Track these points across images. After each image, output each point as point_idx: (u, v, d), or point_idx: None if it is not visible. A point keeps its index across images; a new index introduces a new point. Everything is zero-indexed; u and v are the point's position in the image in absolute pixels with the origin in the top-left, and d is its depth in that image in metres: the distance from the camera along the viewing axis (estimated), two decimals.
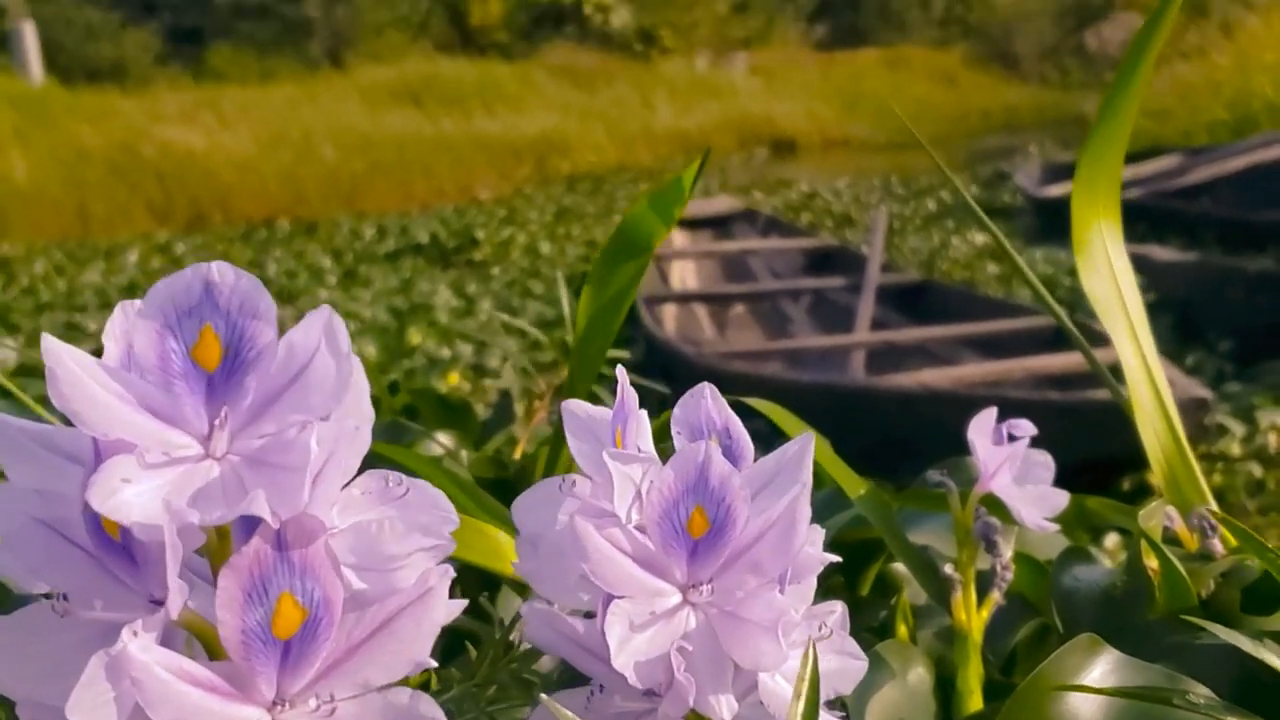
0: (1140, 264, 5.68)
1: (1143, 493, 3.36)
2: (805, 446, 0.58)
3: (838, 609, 0.61)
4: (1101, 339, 3.13)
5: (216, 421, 0.43)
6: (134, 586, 0.44)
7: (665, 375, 4.69)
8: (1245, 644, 0.58)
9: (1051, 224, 7.90)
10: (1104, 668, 0.60)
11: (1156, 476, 0.89)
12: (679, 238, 7.31)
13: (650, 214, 1.02)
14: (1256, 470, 3.14)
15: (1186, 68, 12.78)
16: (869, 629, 0.98)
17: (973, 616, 0.87)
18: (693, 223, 7.62)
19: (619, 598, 0.52)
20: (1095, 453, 2.50)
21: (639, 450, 0.57)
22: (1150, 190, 8.23)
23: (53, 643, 0.44)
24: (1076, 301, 5.88)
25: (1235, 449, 3.43)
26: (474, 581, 1.00)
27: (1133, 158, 9.46)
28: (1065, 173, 9.48)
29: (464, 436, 1.54)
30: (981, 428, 0.85)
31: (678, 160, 15.60)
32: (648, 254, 1.03)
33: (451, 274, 8.00)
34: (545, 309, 6.04)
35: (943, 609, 0.89)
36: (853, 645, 0.59)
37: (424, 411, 1.65)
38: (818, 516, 1.02)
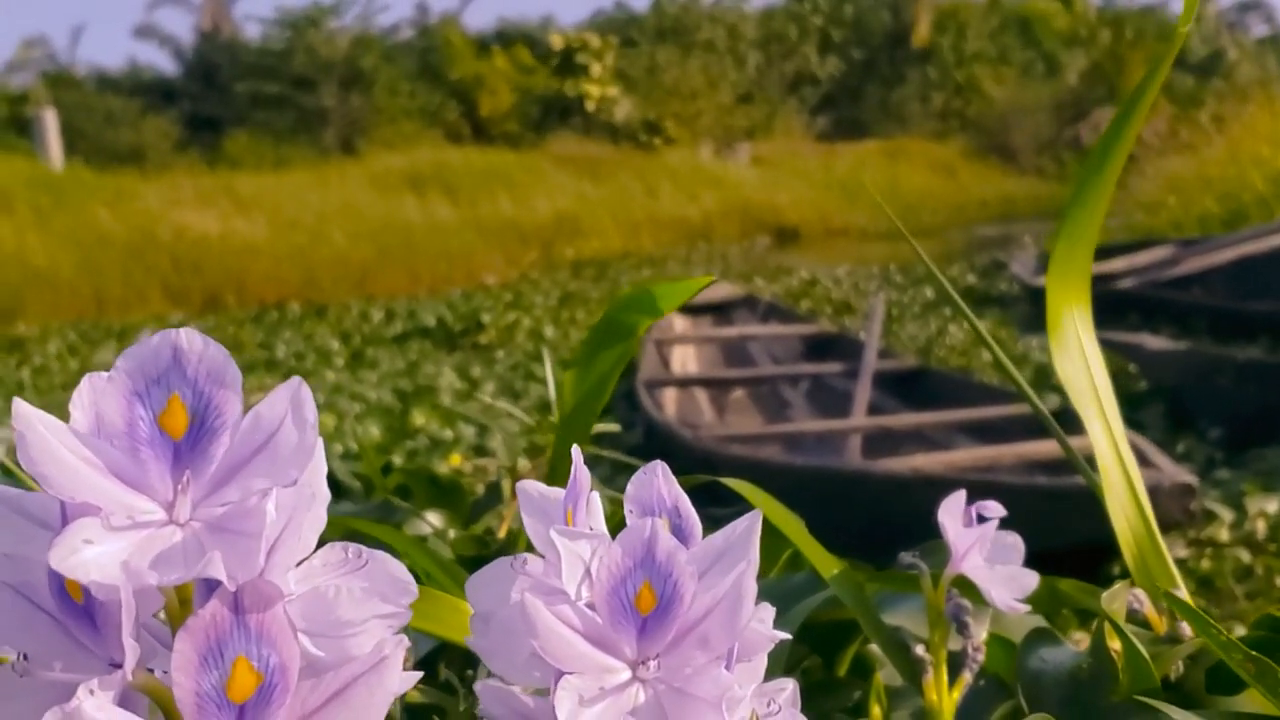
0: (1132, 353, 5.72)
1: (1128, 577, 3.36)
2: (753, 524, 0.59)
3: (789, 687, 0.62)
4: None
5: (180, 487, 0.44)
6: (95, 650, 0.45)
7: (664, 457, 4.70)
8: None
9: (1044, 313, 7.96)
10: None
11: (1126, 559, 0.91)
12: (680, 323, 7.38)
13: (637, 302, 1.04)
14: (1245, 556, 3.14)
15: (1179, 161, 12.93)
16: (844, 710, 0.99)
17: (944, 697, 0.88)
18: (694, 308, 7.70)
19: (569, 674, 0.53)
20: (1083, 537, 2.50)
21: (590, 529, 0.58)
22: (1143, 280, 8.30)
23: (13, 705, 0.44)
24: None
25: (1224, 535, 3.43)
26: (455, 657, 1.01)
27: (1126, 249, 9.57)
28: None
29: (454, 516, 1.56)
30: (952, 510, 0.87)
31: (681, 247, 15.76)
32: (633, 339, 1.06)
33: (457, 357, 8.04)
34: (544, 390, 6.09)
35: (917, 690, 0.90)
36: None
37: (416, 491, 1.67)
38: (795, 597, 1.04)
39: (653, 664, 0.53)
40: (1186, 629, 0.85)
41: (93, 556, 0.42)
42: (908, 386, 5.51)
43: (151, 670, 0.44)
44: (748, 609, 0.54)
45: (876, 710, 0.92)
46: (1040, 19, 27.16)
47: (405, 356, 8.18)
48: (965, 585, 0.88)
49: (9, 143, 20.41)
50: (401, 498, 1.69)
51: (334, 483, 1.87)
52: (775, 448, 4.75)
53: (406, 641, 0.46)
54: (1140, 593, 0.87)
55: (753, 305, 7.80)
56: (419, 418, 5.18)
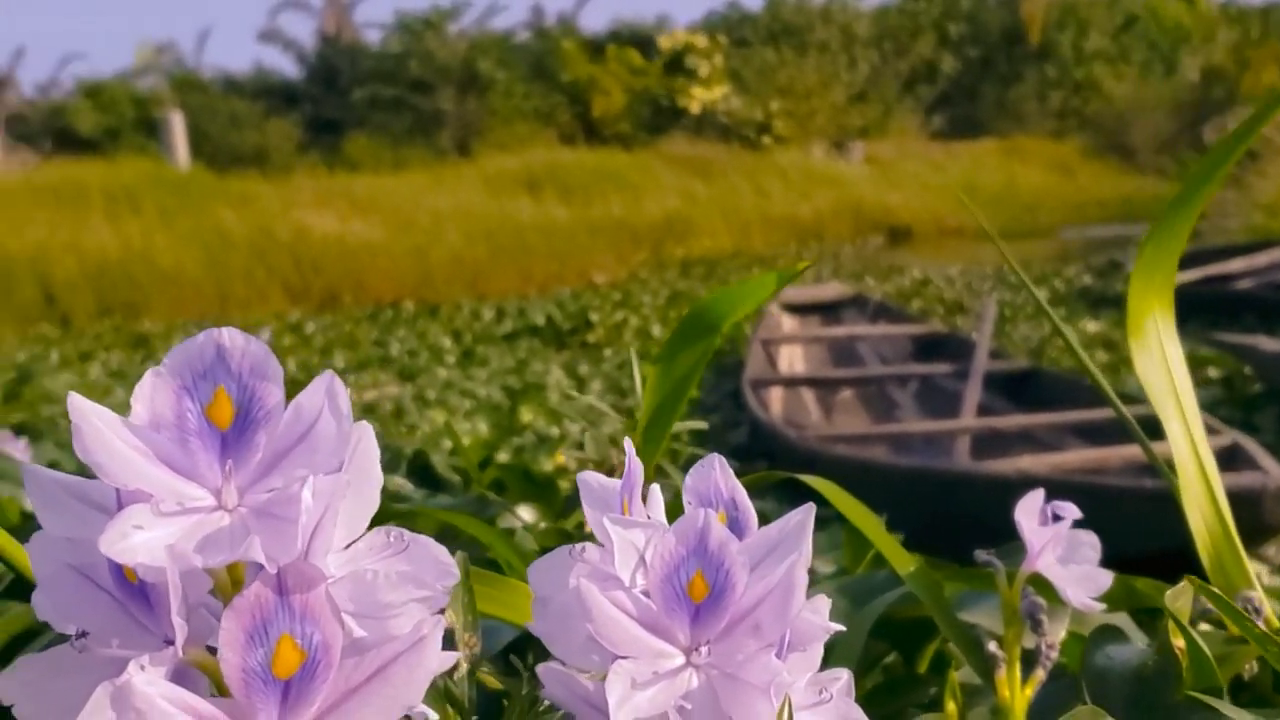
0: (1247, 355, 5.57)
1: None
2: (806, 517, 0.60)
3: (843, 676, 0.62)
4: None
5: (226, 475, 0.46)
6: (151, 628, 0.47)
7: (768, 457, 4.71)
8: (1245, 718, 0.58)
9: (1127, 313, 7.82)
10: None
11: (1202, 560, 0.89)
12: (788, 322, 7.37)
13: (720, 301, 1.05)
14: None
15: None
16: (920, 705, 0.99)
17: (1016, 694, 0.87)
18: (802, 308, 7.68)
19: (623, 658, 0.54)
20: (1188, 540, 2.45)
21: (648, 518, 0.59)
22: (1261, 281, 8.14)
23: (73, 680, 0.46)
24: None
25: None
26: (535, 644, 1.03)
27: (1245, 249, 9.35)
28: (1178, 263, 9.40)
29: (547, 510, 1.58)
30: (1028, 509, 0.87)
31: (791, 246, 15.70)
32: (715, 337, 1.06)
33: (565, 355, 8.12)
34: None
35: (991, 686, 0.90)
36: (857, 712, 0.60)
37: (511, 486, 1.70)
38: (874, 594, 1.04)
39: (705, 650, 0.54)
40: (1262, 627, 0.83)
41: (140, 541, 0.44)
42: (1019, 388, 5.43)
43: (213, 649, 0.45)
44: (799, 599, 0.55)
45: (951, 706, 0.92)
46: (1161, 16, 26.54)
47: (514, 355, 8.28)
48: (1041, 584, 0.88)
49: (137, 144, 21.04)
50: (497, 492, 1.72)
51: (434, 476, 1.92)
52: (881, 448, 4.71)
53: (445, 622, 0.47)
54: (1253, 594, 0.86)
55: (862, 305, 7.75)
56: (526, 415, 5.22)
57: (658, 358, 1.07)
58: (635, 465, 0.60)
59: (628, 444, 0.61)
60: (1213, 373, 6.07)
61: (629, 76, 24.75)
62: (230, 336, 0.47)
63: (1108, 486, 3.23)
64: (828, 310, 7.77)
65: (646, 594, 0.55)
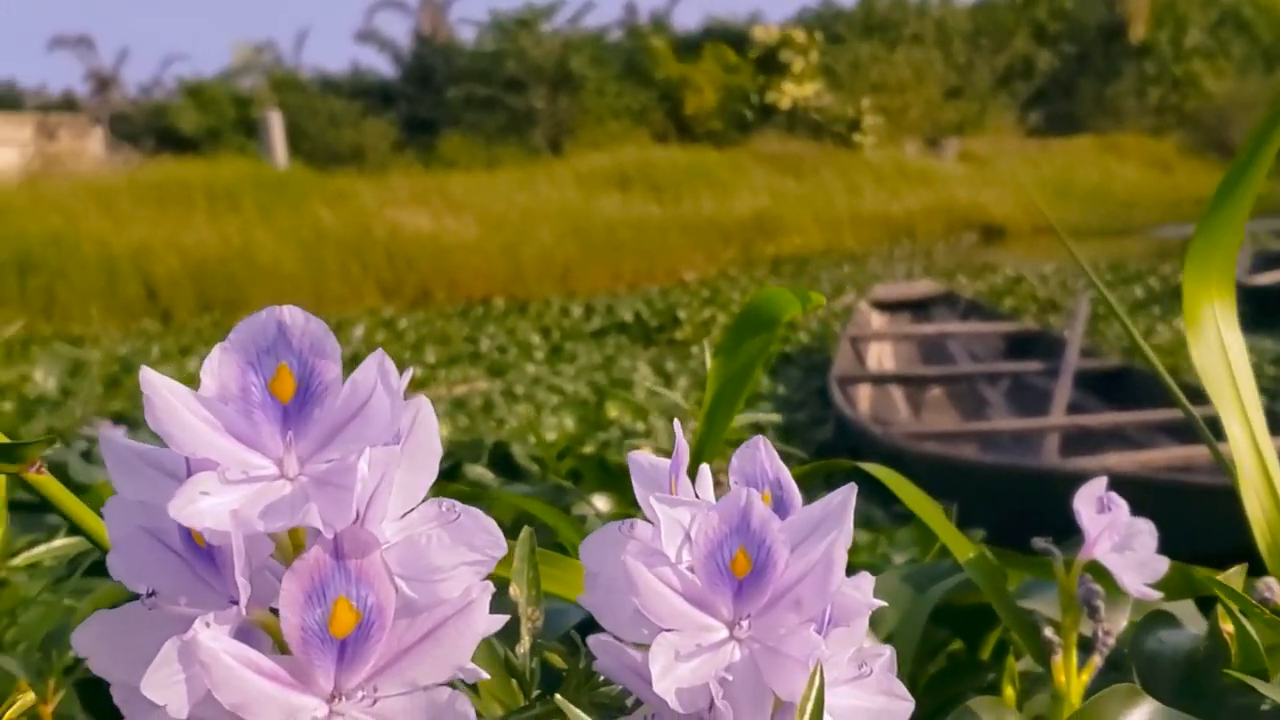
0: None
1: None
2: (848, 497, 0.61)
3: (885, 652, 0.63)
4: None
5: (287, 446, 0.48)
6: (216, 588, 0.49)
7: (853, 454, 4.72)
8: None
9: (1259, 312, 7.67)
10: (1141, 714, 0.61)
11: (1261, 550, 0.90)
12: (877, 320, 7.35)
13: (782, 294, 1.06)
14: None
15: None
16: (979, 689, 1.00)
17: (1072, 679, 0.88)
18: (892, 305, 7.65)
19: (668, 630, 0.56)
20: None
21: (696, 497, 0.61)
22: None
23: (144, 636, 0.49)
24: (1277, 391, 5.69)
25: None
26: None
27: None
28: (1275, 261, 9.20)
29: (621, 499, 1.61)
30: (1087, 497, 0.88)
31: (883, 244, 15.60)
32: (775, 329, 1.08)
33: (652, 351, 8.17)
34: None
35: (1048, 671, 0.91)
36: (899, 687, 0.61)
37: (587, 476, 1.73)
38: (937, 580, 1.05)
39: (747, 624, 0.56)
40: None
41: (207, 506, 0.46)
42: (1111, 385, 5.37)
43: (275, 610, 0.48)
44: (838, 575, 0.56)
45: (1010, 690, 0.93)
46: (1262, 13, 25.94)
47: (602, 351, 8.34)
48: (1100, 572, 0.89)
49: (237, 143, 21.46)
50: (575, 482, 1.76)
51: (514, 466, 1.96)
52: (969, 446, 4.69)
53: (491, 587, 0.49)
54: (1273, 582, 0.86)
55: (953, 302, 7.71)
56: (612, 410, 5.28)
57: (717, 350, 1.09)
58: (682, 446, 0.62)
59: (676, 426, 0.63)
60: None
61: (721, 73, 24.71)
62: (291, 314, 0.50)
63: (1192, 484, 3.19)
64: (918, 308, 7.74)
65: (691, 570, 0.56)
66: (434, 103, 25.34)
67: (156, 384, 0.48)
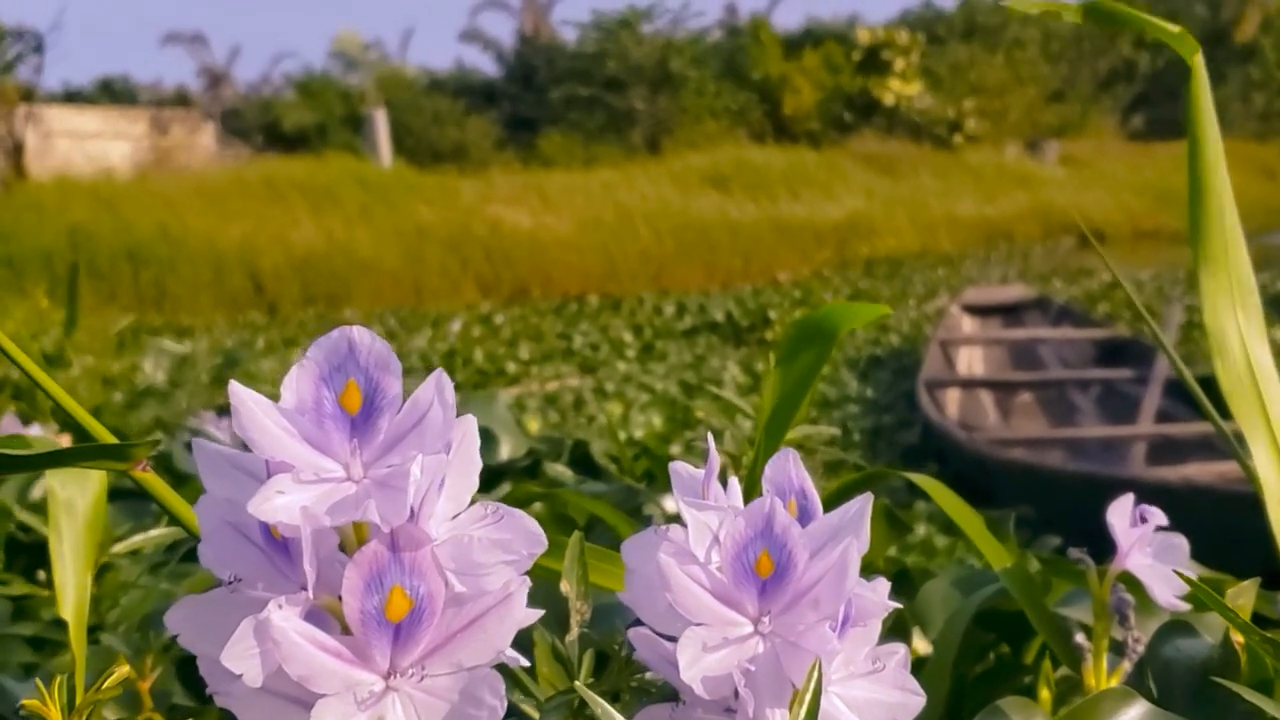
0: None
1: None
2: (864, 506, 0.65)
3: (900, 650, 0.68)
4: None
5: (354, 452, 0.54)
6: (290, 576, 0.55)
7: (939, 458, 4.71)
8: (1270, 708, 0.63)
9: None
10: (1133, 715, 0.66)
11: None
12: (968, 324, 7.31)
13: (841, 308, 1.11)
14: None
15: None
16: (1018, 691, 1.04)
17: (1101, 683, 0.92)
18: (983, 309, 7.60)
19: (698, 625, 0.60)
20: None
21: (729, 504, 0.67)
22: None
23: (227, 616, 0.54)
24: None
25: None
26: None
27: None
28: None
29: None
30: (1120, 510, 0.92)
31: (979, 247, 15.43)
32: (833, 341, 1.12)
33: (742, 352, 8.19)
34: (827, 389, 6.15)
35: (1079, 676, 0.95)
36: (912, 683, 0.65)
37: (659, 476, 1.79)
38: (984, 585, 1.09)
39: (769, 620, 0.61)
40: None
41: (282, 503, 0.52)
42: (1207, 394, 5.30)
43: (340, 597, 0.53)
44: (852, 578, 0.60)
45: (1045, 693, 0.97)
46: None
47: (693, 350, 8.38)
48: (1132, 582, 0.93)
49: (344, 139, 21.79)
50: (649, 481, 1.82)
51: (592, 465, 2.02)
52: (1056, 453, 4.67)
53: (528, 582, 0.55)
54: None
55: (1045, 307, 7.64)
56: (700, 410, 5.33)
57: (777, 360, 1.12)
58: (714, 455, 0.67)
59: (709, 439, 0.69)
60: None
61: (823, 73, 24.59)
62: (360, 335, 0.55)
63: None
64: (1009, 312, 7.69)
65: (720, 570, 0.61)
66: (535, 102, 25.52)
67: (243, 395, 0.54)
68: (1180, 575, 0.80)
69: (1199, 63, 0.98)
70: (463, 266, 13.67)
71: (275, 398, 0.56)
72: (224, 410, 3.00)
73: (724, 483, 0.68)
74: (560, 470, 1.82)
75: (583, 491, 1.52)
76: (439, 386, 0.56)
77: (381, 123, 20.15)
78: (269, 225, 13.67)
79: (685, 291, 12.43)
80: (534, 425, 3.44)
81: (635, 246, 13.89)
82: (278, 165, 16.74)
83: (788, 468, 0.68)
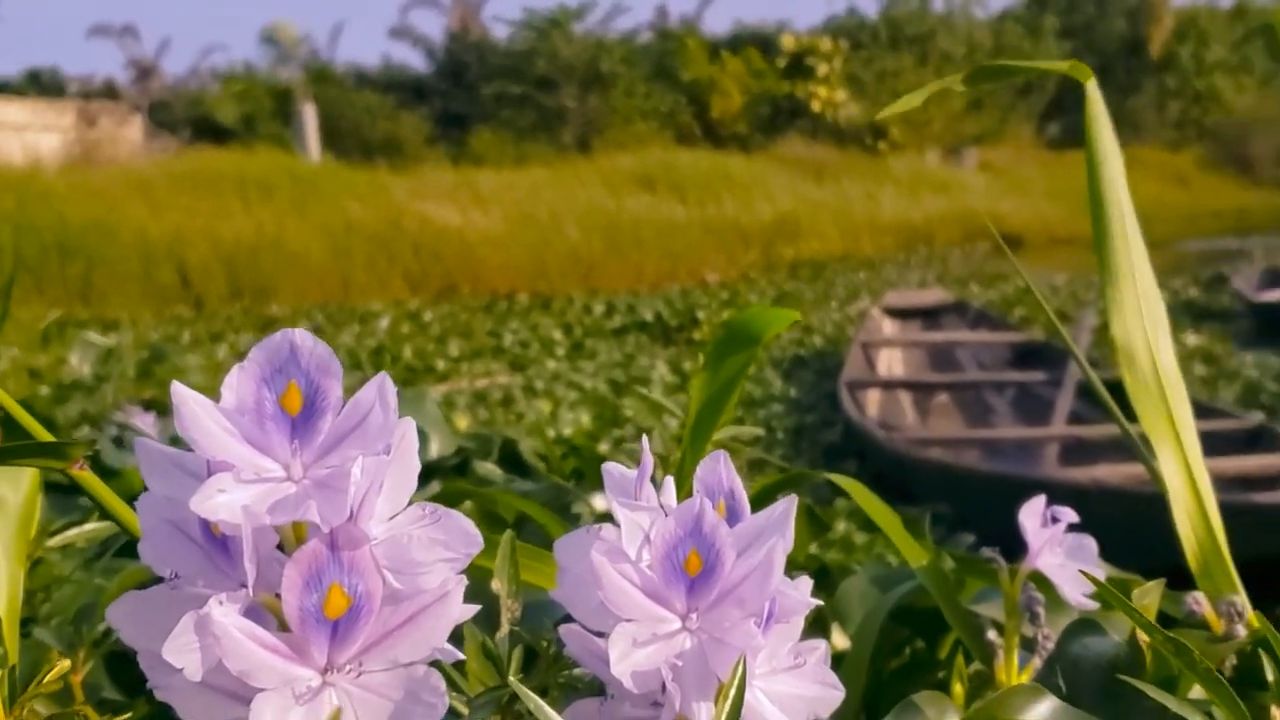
0: None
1: None
2: (789, 508, 0.67)
3: (821, 646, 0.70)
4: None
5: (294, 453, 0.55)
6: (229, 573, 0.56)
7: (859, 456, 4.79)
8: (1173, 704, 0.66)
9: (1266, 329, 7.71)
10: (1042, 711, 0.69)
11: (1190, 565, 0.96)
12: (888, 326, 7.43)
13: (764, 313, 1.13)
14: None
15: None
16: (933, 687, 1.07)
17: (1013, 679, 0.95)
18: (903, 312, 7.73)
19: (628, 621, 0.62)
20: (1273, 553, 2.49)
21: (659, 504, 0.69)
22: None
23: (167, 612, 0.55)
24: (1278, 407, 5.73)
25: None
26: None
27: None
28: None
29: None
30: (1032, 511, 0.95)
31: (900, 251, 15.64)
32: (756, 347, 1.15)
33: (671, 351, 8.23)
34: (752, 388, 6.22)
35: (991, 671, 0.98)
36: (832, 677, 0.67)
37: (589, 474, 1.81)
38: (901, 582, 1.12)
39: (696, 617, 0.62)
40: (1241, 631, 0.91)
41: (223, 501, 0.53)
42: (1115, 397, 5.42)
43: (279, 595, 0.54)
44: (776, 577, 0.62)
45: (958, 688, 1.00)
46: None
47: (622, 349, 8.41)
48: (1042, 581, 0.96)
49: (273, 133, 21.56)
50: (577, 479, 1.84)
51: (521, 463, 2.04)
52: (972, 452, 4.76)
53: (465, 580, 0.56)
54: (1200, 596, 0.93)
55: (963, 311, 7.79)
56: (629, 408, 5.36)
57: (706, 361, 1.15)
58: (647, 457, 0.69)
59: (643, 440, 0.71)
60: None
61: (748, 78, 24.76)
62: (301, 338, 0.56)
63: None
64: (929, 315, 7.83)
65: (650, 568, 0.62)
66: (466, 99, 25.41)
67: (185, 396, 0.55)
68: (1087, 576, 0.83)
69: (1093, 87, 1.02)
70: (391, 262, 13.58)
71: (203, 391, 0.57)
72: (150, 405, 2.98)
73: (655, 483, 0.70)
74: (489, 468, 1.83)
75: (512, 490, 1.53)
76: (381, 389, 0.57)
77: (310, 117, 19.98)
78: (197, 219, 13.51)
79: (614, 291, 12.45)
80: (463, 422, 3.45)
81: (565, 245, 13.89)
82: (206, 158, 16.55)
83: (718, 469, 0.70)
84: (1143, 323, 1.00)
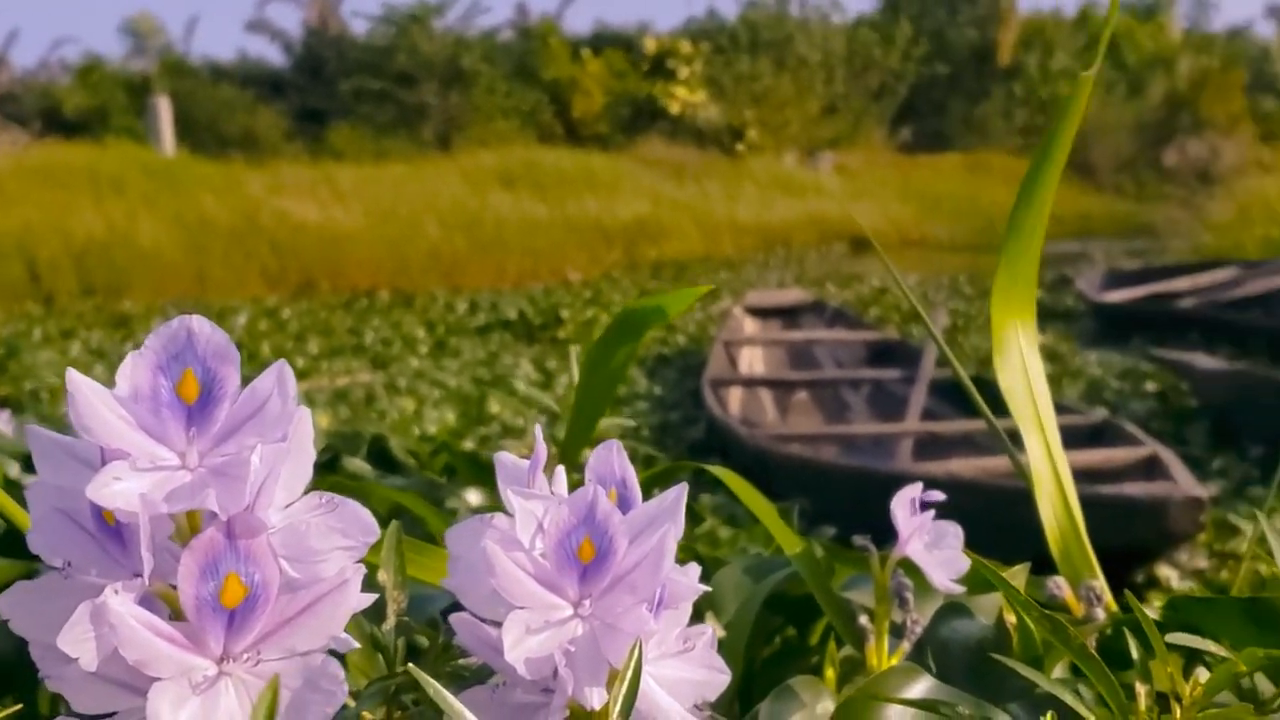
0: (1183, 371, 5.75)
1: (1151, 584, 3.44)
2: (680, 495, 0.68)
3: (707, 631, 0.72)
4: (1131, 437, 3.17)
5: (190, 441, 0.55)
6: (123, 562, 0.56)
7: (723, 453, 4.86)
8: (1043, 681, 0.69)
9: (1109, 328, 8.02)
10: (919, 689, 0.72)
11: (1053, 552, 1.01)
12: (749, 325, 7.55)
13: (646, 308, 1.15)
14: (1262, 569, 3.16)
15: (1254, 184, 12.93)
16: (804, 671, 1.09)
17: (883, 662, 0.98)
18: (764, 311, 7.86)
19: (520, 608, 0.63)
20: (1117, 543, 2.59)
21: (551, 493, 0.70)
22: (1205, 300, 8.34)
23: (59, 602, 0.55)
24: (1120, 404, 5.97)
25: (1244, 548, 3.44)
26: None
27: (1191, 269, 9.59)
28: (1126, 280, 9.57)
29: (492, 493, 1.68)
30: (903, 500, 0.98)
31: (759, 252, 15.88)
32: (639, 340, 1.16)
33: (535, 349, 8.23)
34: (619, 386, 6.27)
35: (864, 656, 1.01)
36: (719, 661, 0.69)
37: (461, 471, 1.80)
38: (773, 571, 1.15)
39: (589, 603, 0.63)
40: (1099, 614, 0.95)
41: (119, 489, 0.53)
42: (965, 395, 5.58)
43: (173, 586, 0.54)
44: (667, 563, 0.63)
45: (830, 673, 1.02)
46: (1127, 39, 26.76)
47: (486, 347, 8.38)
48: (910, 567, 0.99)
49: (125, 126, 20.99)
50: (449, 476, 1.83)
51: (391, 460, 2.02)
52: (831, 448, 4.87)
53: (363, 569, 0.56)
54: (1061, 580, 0.98)
55: (820, 311, 7.96)
56: (494, 406, 5.35)
57: (586, 359, 1.16)
58: (540, 447, 0.70)
59: (537, 430, 0.72)
60: (1151, 387, 6.26)
61: (610, 78, 24.87)
62: (199, 325, 0.56)
63: (1023, 489, 3.34)
64: (788, 315, 7.98)
65: (543, 556, 0.63)
66: (325, 94, 25.04)
67: (79, 383, 0.54)
68: (970, 555, 0.86)
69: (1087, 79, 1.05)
70: (248, 259, 13.33)
71: (56, 390, 0.56)
72: (4, 402, 2.89)
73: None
74: (359, 465, 1.82)
75: (385, 485, 1.53)
76: (280, 377, 0.57)
77: (164, 110, 19.49)
78: (47, 213, 13.10)
79: (477, 289, 12.39)
80: (324, 420, 3.40)
81: (426, 242, 13.78)
82: (57, 151, 16.06)
83: (610, 458, 0.71)
84: (1018, 320, 1.04)
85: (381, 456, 1.99)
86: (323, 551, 0.58)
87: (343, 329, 9.57)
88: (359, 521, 0.60)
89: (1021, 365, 1.03)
